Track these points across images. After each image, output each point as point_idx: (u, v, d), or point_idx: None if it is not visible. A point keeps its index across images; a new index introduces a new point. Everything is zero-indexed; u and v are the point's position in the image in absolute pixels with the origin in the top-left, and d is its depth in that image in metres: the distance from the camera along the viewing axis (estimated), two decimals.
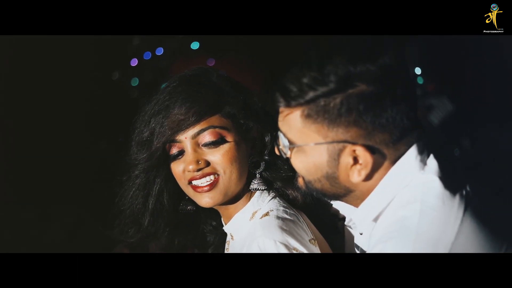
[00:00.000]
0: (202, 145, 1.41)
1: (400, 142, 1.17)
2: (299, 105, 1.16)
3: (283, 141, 1.25)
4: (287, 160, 1.28)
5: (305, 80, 1.14)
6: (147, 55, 3.26)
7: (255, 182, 1.46)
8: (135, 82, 3.31)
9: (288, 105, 1.18)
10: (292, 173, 1.40)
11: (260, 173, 1.47)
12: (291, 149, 1.23)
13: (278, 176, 1.47)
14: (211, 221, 1.67)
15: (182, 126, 1.40)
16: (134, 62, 3.28)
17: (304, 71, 1.15)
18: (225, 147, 1.41)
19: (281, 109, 1.22)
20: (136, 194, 1.52)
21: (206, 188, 1.42)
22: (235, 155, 1.41)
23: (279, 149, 1.29)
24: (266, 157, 1.47)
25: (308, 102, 1.15)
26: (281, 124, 1.24)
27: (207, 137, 1.40)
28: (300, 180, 1.29)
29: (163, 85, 1.49)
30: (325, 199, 1.37)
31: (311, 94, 1.14)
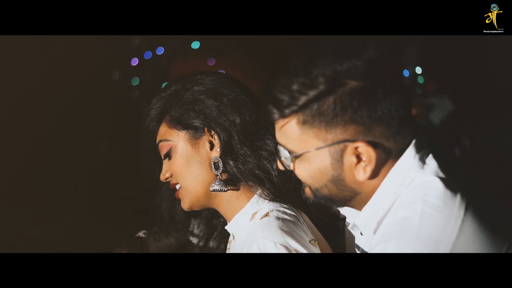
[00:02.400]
0: None
1: (399, 134, 1.17)
2: (293, 112, 1.16)
3: (283, 153, 1.24)
4: (291, 172, 1.27)
5: (294, 87, 1.14)
6: (148, 55, 3.27)
7: (215, 183, 1.43)
8: (135, 81, 3.31)
9: (282, 115, 1.18)
10: (259, 171, 1.41)
11: (221, 174, 1.44)
12: (293, 160, 1.22)
13: (250, 174, 1.43)
14: (220, 217, 1.67)
15: (153, 141, 1.52)
16: (135, 62, 3.29)
17: (292, 79, 1.15)
18: (174, 157, 1.46)
19: (276, 121, 1.21)
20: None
21: (177, 196, 1.51)
22: (183, 163, 1.44)
23: (281, 162, 1.27)
24: (228, 158, 1.43)
25: (301, 108, 1.15)
26: (278, 136, 1.24)
27: (161, 151, 1.49)
28: (307, 190, 1.28)
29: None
30: (334, 206, 1.37)
31: (303, 99, 1.14)
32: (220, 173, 1.43)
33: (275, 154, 1.33)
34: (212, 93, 1.45)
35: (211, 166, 1.44)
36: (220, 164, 1.43)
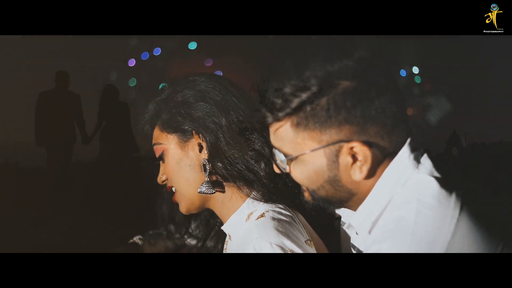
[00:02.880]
0: None
1: (394, 133, 1.17)
2: (287, 115, 1.17)
3: (279, 157, 1.24)
4: (288, 175, 1.27)
5: (287, 90, 1.15)
6: (145, 56, 3.28)
7: (203, 185, 1.44)
8: (132, 82, 3.32)
9: (276, 118, 1.18)
10: (248, 171, 1.40)
11: (211, 176, 1.44)
12: (288, 162, 1.22)
13: (238, 175, 1.43)
14: (217, 217, 1.67)
15: (149, 144, 1.54)
16: (132, 63, 3.30)
17: (284, 82, 1.16)
18: (166, 160, 1.47)
19: (270, 124, 1.22)
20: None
21: (174, 200, 1.52)
22: (174, 166, 1.46)
23: (277, 165, 1.27)
24: (216, 160, 1.43)
25: (295, 111, 1.15)
26: (273, 139, 1.24)
27: (156, 154, 1.50)
28: (306, 195, 1.29)
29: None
30: (331, 207, 1.37)
31: (296, 102, 1.14)
32: (209, 175, 1.43)
33: (271, 158, 1.33)
34: (199, 95, 1.45)
35: (201, 168, 1.44)
36: (207, 166, 1.43)
